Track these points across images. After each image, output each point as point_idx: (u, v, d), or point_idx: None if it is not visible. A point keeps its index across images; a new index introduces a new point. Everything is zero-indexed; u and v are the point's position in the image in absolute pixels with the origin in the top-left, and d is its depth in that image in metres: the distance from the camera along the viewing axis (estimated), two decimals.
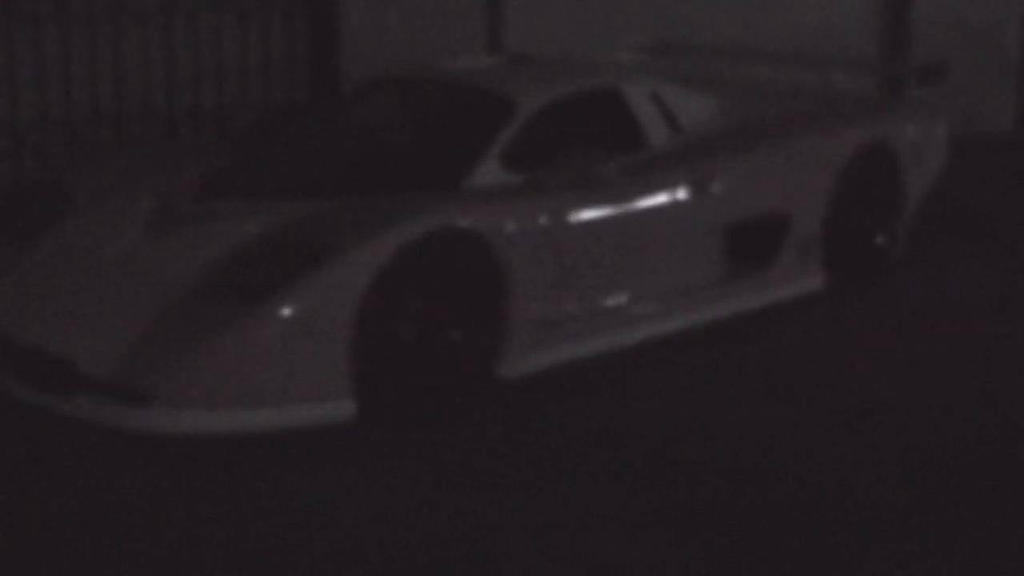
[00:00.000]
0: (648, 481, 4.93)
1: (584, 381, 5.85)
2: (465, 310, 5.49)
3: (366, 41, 8.80)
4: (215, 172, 6.09)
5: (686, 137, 6.62)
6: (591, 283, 5.94)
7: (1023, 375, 6.00)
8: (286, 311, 5.03)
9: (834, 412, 5.57)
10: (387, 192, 5.76)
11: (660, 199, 6.15)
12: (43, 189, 6.02)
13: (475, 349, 5.54)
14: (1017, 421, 5.51)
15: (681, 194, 6.23)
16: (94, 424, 5.08)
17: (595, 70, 6.67)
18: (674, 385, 5.85)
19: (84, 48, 8.14)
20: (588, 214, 5.87)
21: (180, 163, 6.21)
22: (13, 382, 5.31)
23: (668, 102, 6.69)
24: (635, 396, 5.73)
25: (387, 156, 6.14)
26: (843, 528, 4.57)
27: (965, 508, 4.72)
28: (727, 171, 6.44)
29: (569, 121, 6.30)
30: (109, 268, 5.46)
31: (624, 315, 6.08)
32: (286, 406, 5.10)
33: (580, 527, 4.57)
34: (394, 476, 4.96)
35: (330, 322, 5.08)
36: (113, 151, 7.11)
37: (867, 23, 10.46)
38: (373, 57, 8.75)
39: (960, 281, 7.29)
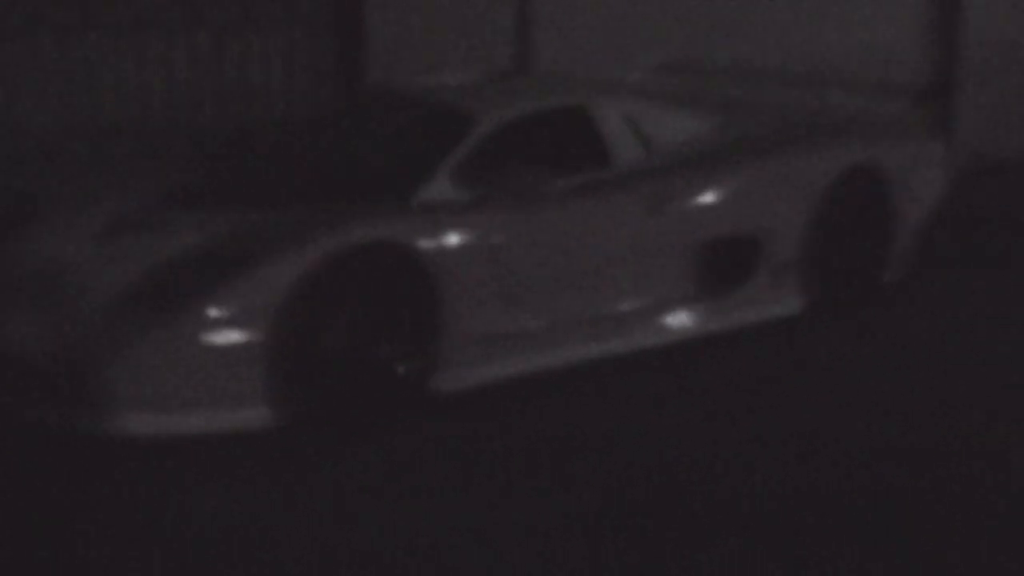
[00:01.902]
0: (549, 494, 4.97)
1: (526, 398, 5.89)
2: (396, 324, 5.58)
3: (393, 60, 8.93)
4: (177, 184, 6.27)
5: (654, 157, 6.62)
6: (541, 300, 5.97)
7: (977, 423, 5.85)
8: (204, 316, 5.17)
9: (757, 436, 5.53)
10: (336, 204, 5.88)
11: (610, 218, 6.16)
12: (16, 198, 6.25)
13: (407, 363, 5.61)
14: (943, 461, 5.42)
15: (635, 213, 6.23)
16: (40, 423, 5.27)
17: (565, 88, 6.71)
18: (617, 405, 5.85)
19: (113, 63, 8.43)
20: (530, 232, 5.91)
21: (148, 175, 6.40)
22: None
23: (642, 122, 6.70)
24: (572, 414, 5.74)
25: (343, 169, 6.25)
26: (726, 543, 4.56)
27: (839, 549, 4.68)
28: (689, 191, 6.42)
29: (531, 139, 6.34)
30: (57, 274, 5.65)
31: (578, 332, 6.10)
32: (205, 410, 5.23)
33: (481, 537, 4.63)
34: (313, 486, 5.06)
35: (247, 329, 5.20)
36: (90, 164, 7.35)
37: (912, 44, 10.29)
38: (400, 75, 8.87)
39: (954, 312, 7.11)
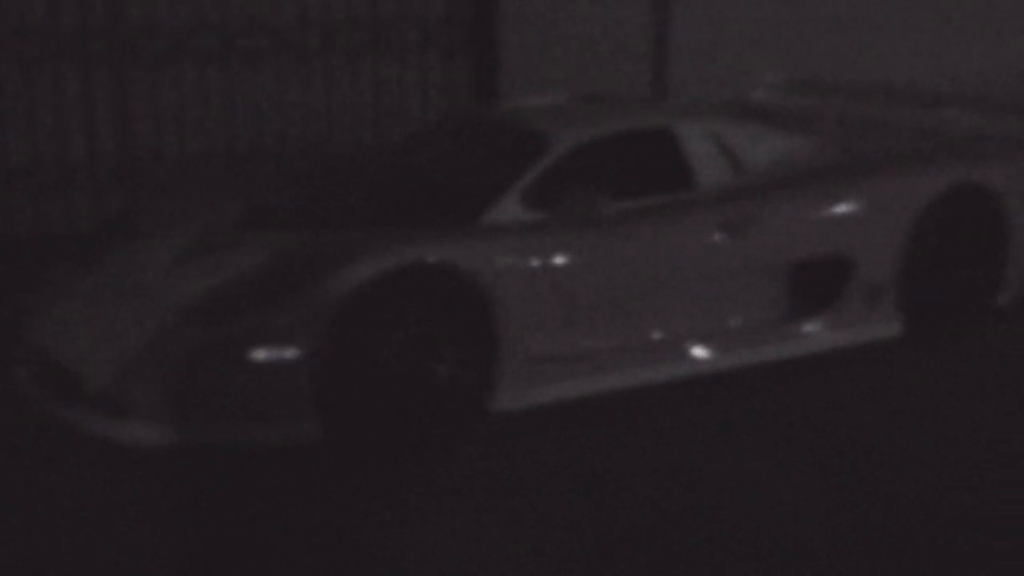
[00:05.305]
0: (572, 527, 4.96)
1: (583, 421, 5.89)
2: (455, 343, 5.64)
3: (527, 82, 9.02)
4: (259, 205, 6.47)
5: (741, 178, 6.54)
6: (605, 322, 5.97)
7: None
8: (254, 330, 5.33)
9: (818, 466, 5.41)
10: (406, 224, 5.99)
11: (682, 240, 6.10)
12: (118, 220, 6.55)
13: (463, 383, 5.68)
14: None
15: (711, 235, 6.16)
16: (90, 434, 5.52)
17: (649, 111, 6.67)
18: (674, 430, 5.79)
19: (248, 89, 8.74)
20: (593, 254, 5.90)
21: (237, 196, 6.62)
22: (41, 393, 5.82)
23: (733, 144, 6.62)
24: (628, 438, 5.71)
25: (418, 191, 6.36)
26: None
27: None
28: (774, 212, 6.31)
29: (610, 162, 6.34)
30: (134, 291, 5.90)
31: (645, 355, 6.07)
32: (254, 423, 5.40)
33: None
34: (334, 496, 5.19)
35: (297, 343, 5.35)
36: (188, 185, 7.61)
37: None
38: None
39: None
